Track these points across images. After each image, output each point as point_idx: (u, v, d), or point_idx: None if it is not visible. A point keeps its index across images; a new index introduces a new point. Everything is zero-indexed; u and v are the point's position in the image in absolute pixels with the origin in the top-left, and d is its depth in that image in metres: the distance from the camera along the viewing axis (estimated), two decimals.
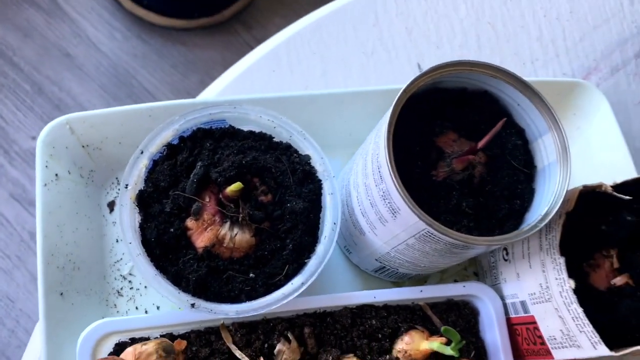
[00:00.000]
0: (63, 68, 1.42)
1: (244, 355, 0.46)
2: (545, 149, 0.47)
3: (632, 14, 0.73)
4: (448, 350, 0.47)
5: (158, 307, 0.55)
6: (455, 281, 0.60)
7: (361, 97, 0.58)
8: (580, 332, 0.45)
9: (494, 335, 0.54)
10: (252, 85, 0.63)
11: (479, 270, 0.60)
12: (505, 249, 0.54)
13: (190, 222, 0.48)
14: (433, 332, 0.52)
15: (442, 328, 0.48)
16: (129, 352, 0.40)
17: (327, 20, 0.67)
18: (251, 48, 1.51)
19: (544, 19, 0.71)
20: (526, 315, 0.51)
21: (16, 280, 1.31)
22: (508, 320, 0.54)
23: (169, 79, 1.46)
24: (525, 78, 0.47)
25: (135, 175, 0.49)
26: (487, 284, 0.56)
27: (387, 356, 0.51)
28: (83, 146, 0.55)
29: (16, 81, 1.40)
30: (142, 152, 0.49)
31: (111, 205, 0.57)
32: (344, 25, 0.67)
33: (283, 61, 0.65)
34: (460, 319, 0.54)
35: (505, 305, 0.54)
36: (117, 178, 0.57)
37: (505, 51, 0.69)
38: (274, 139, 0.52)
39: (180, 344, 0.44)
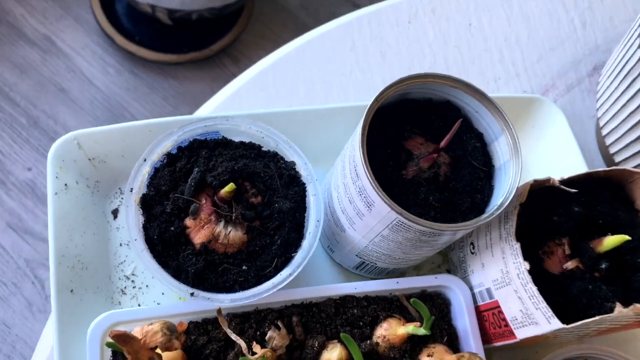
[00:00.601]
0: (58, 102, 1.48)
1: (239, 338, 0.51)
2: (500, 150, 0.53)
3: (585, 37, 0.81)
4: (421, 331, 0.53)
5: (158, 304, 0.60)
6: None
7: (340, 112, 0.64)
8: (536, 309, 0.51)
9: (465, 322, 0.59)
10: (241, 105, 0.70)
11: (450, 267, 0.66)
12: (472, 243, 0.60)
13: (188, 221, 0.53)
14: (409, 319, 0.58)
15: (412, 300, 0.54)
16: (137, 330, 0.46)
17: (309, 46, 0.74)
18: None
19: (504, 43, 0.79)
20: (491, 301, 0.57)
21: (12, 307, 1.34)
22: (476, 307, 0.60)
23: (160, 111, 1.53)
24: (489, 94, 0.53)
25: (138, 181, 0.54)
26: (458, 277, 0.62)
27: (368, 341, 0.57)
28: (89, 159, 0.61)
29: (13, 115, 1.46)
30: (144, 160, 0.55)
31: (115, 213, 0.62)
32: (325, 50, 0.74)
33: (269, 82, 0.72)
34: (433, 308, 0.60)
35: (473, 295, 0.60)
36: (120, 188, 0.63)
37: (470, 71, 0.76)
38: (263, 148, 0.58)
39: (182, 326, 0.49)
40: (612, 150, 0.69)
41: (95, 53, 1.53)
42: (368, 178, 0.48)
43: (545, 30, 0.80)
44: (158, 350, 0.46)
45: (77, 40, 1.53)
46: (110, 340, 0.49)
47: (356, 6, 1.72)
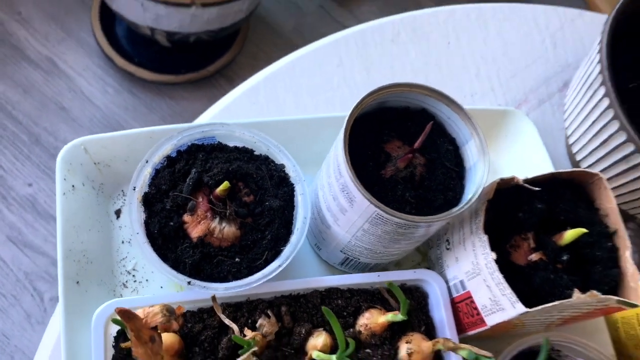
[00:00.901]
0: (59, 120, 1.54)
1: (231, 322, 0.56)
2: (470, 152, 0.59)
3: (555, 56, 0.87)
4: (399, 317, 0.58)
5: None
6: None
7: (326, 121, 0.70)
8: (503, 295, 0.56)
9: (441, 313, 0.64)
10: (235, 115, 0.75)
11: (429, 265, 0.71)
12: (447, 240, 0.65)
13: (186, 217, 0.58)
14: (389, 310, 0.62)
15: (386, 283, 0.59)
16: (139, 311, 0.50)
17: (298, 62, 0.79)
18: None
19: (481, 60, 0.85)
20: (464, 292, 0.62)
21: (11, 318, 1.38)
22: (452, 299, 0.64)
23: None
24: (466, 107, 0.59)
25: (141, 180, 0.60)
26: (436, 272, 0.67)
27: (351, 329, 0.61)
28: (95, 163, 0.66)
29: (15, 133, 1.51)
30: (146, 162, 0.60)
31: (117, 213, 0.67)
32: (313, 66, 0.80)
33: (261, 96, 0.77)
34: (412, 300, 0.65)
35: (449, 288, 0.65)
36: (122, 190, 0.68)
37: (449, 86, 0.82)
38: (255, 152, 0.63)
39: (180, 309, 0.53)
40: (578, 157, 0.74)
41: (96, 74, 1.59)
42: (350, 176, 0.53)
43: (519, 49, 0.87)
44: (158, 331, 0.51)
45: (78, 61, 1.59)
46: (114, 324, 0.54)
47: None
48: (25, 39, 1.59)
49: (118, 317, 0.49)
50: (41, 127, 1.52)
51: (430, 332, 0.64)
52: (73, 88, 1.57)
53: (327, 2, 1.85)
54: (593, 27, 0.89)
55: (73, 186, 0.64)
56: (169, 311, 0.51)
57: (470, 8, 0.89)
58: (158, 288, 0.65)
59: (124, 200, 0.67)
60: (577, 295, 0.54)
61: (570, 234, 0.57)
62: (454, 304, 0.64)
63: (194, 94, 1.64)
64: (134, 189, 0.59)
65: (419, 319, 0.64)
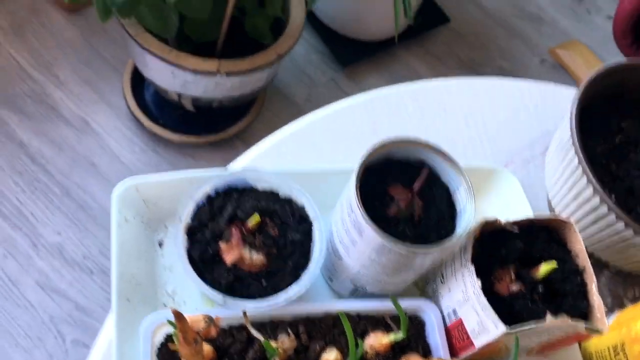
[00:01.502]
0: (89, 175, 1.67)
1: (258, 333, 0.66)
2: (460, 197, 0.71)
3: (538, 123, 1.00)
4: (400, 335, 0.68)
5: None
6: None
7: (340, 173, 0.82)
8: (487, 317, 0.66)
9: (436, 339, 0.74)
10: (260, 164, 0.88)
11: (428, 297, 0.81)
12: (441, 274, 0.76)
13: (222, 245, 0.70)
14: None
15: (390, 297, 0.69)
16: (185, 317, 0.61)
17: (313, 124, 0.93)
18: None
19: (472, 124, 0.98)
20: (456, 319, 0.72)
21: (35, 359, 1.47)
22: (446, 327, 0.75)
23: None
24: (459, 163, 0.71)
25: (185, 214, 0.71)
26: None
27: (358, 349, 0.71)
28: (143, 200, 0.78)
29: (48, 185, 1.64)
30: (190, 198, 0.72)
31: (160, 243, 0.79)
32: (326, 128, 0.93)
33: (284, 151, 0.90)
34: (412, 327, 0.75)
35: (443, 317, 0.75)
36: (165, 224, 0.79)
37: (444, 145, 0.95)
38: (280, 194, 0.75)
39: (217, 319, 0.64)
40: (557, 209, 0.86)
41: (124, 134, 1.73)
42: (361, 212, 0.65)
43: (507, 117, 1.00)
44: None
45: (109, 122, 1.74)
46: (169, 324, 0.64)
47: None
48: (61, 100, 1.74)
49: (165, 326, 0.60)
50: (72, 181, 1.65)
51: (426, 354, 0.74)
52: (103, 146, 1.71)
53: (337, 75, 2.01)
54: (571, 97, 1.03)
55: (125, 219, 0.75)
56: (209, 319, 0.62)
57: (463, 81, 1.03)
58: (194, 309, 0.75)
59: (166, 232, 0.79)
60: (550, 319, 0.65)
61: (544, 268, 0.68)
62: (447, 331, 0.75)
63: (212, 154, 1.77)
64: (180, 221, 0.71)
65: (416, 342, 0.74)
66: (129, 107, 1.74)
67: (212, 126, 1.77)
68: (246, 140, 1.80)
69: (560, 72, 2.23)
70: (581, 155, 0.75)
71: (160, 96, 1.73)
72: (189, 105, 1.67)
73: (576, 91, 0.82)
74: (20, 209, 1.60)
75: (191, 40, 1.55)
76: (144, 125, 1.72)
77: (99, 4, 1.35)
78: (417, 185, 0.67)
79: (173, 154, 1.74)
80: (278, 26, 1.63)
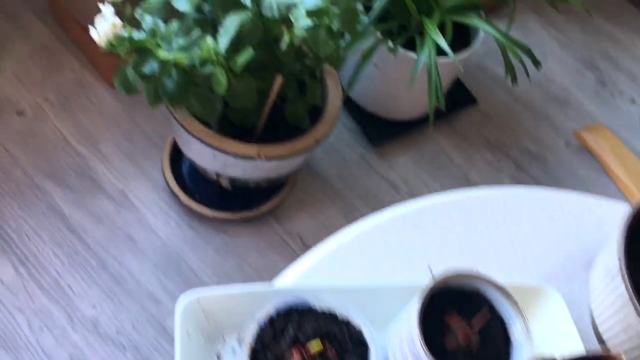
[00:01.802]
0: (126, 249, 1.71)
1: None
2: (515, 329, 0.73)
3: (578, 234, 1.03)
4: None
5: None
6: None
7: (392, 290, 0.85)
8: None
9: None
10: (314, 277, 0.91)
11: None
12: None
13: None
14: None
15: None
16: None
17: (362, 236, 0.96)
18: (280, 237, 1.83)
19: (516, 239, 1.01)
20: None
21: None
22: None
23: (211, 261, 1.75)
24: (505, 280, 0.74)
25: (248, 335, 0.74)
26: None
27: None
28: (204, 311, 0.81)
29: (85, 257, 1.68)
30: (253, 320, 0.75)
31: (218, 355, 0.81)
32: (373, 240, 0.97)
33: (336, 267, 0.94)
34: None
35: None
36: (222, 336, 0.82)
37: (489, 259, 0.98)
38: (338, 316, 0.78)
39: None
40: (604, 335, 0.88)
41: (162, 208, 1.77)
42: (423, 349, 0.68)
43: (546, 227, 1.03)
44: None
45: (148, 196, 1.78)
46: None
47: (391, 184, 2.00)
48: (102, 173, 1.80)
49: None
50: (109, 254, 1.69)
51: None
52: (141, 219, 1.75)
53: (367, 153, 2.06)
54: (610, 215, 1.06)
55: (188, 332, 0.79)
56: None
57: (507, 191, 1.07)
58: None
59: (224, 344, 0.82)
60: None
61: None
62: None
63: (246, 229, 1.81)
64: (244, 342, 0.74)
65: None
66: (167, 182, 1.79)
67: (246, 203, 1.81)
68: (279, 217, 1.84)
69: (585, 155, 2.27)
70: (631, 292, 0.78)
71: (197, 173, 1.78)
72: (226, 184, 1.71)
73: (623, 217, 0.85)
74: (58, 280, 1.64)
75: (232, 123, 1.61)
76: (181, 200, 1.77)
77: (149, 92, 1.41)
78: (477, 324, 0.70)
79: (207, 229, 1.78)
80: (315, 110, 1.68)
